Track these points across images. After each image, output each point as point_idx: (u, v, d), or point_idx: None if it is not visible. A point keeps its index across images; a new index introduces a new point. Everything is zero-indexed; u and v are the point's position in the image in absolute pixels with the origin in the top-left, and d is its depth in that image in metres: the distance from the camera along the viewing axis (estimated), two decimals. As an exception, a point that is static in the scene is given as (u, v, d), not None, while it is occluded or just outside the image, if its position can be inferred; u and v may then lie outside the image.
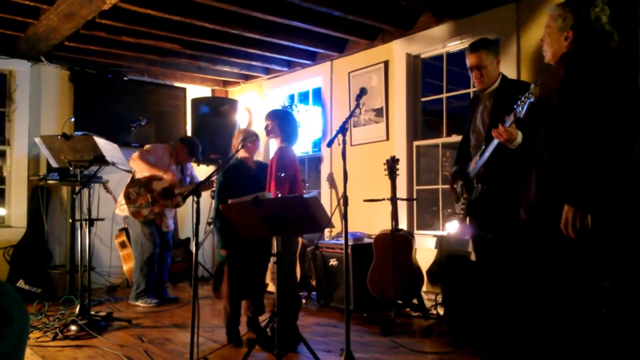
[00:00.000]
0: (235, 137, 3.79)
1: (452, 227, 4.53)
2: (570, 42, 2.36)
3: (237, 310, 3.60)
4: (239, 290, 3.56)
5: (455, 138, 4.39)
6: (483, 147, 3.16)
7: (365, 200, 4.28)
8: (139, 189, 4.86)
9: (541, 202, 2.35)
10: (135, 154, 4.81)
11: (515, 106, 2.57)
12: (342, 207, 2.92)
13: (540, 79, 2.59)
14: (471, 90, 4.37)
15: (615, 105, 2.18)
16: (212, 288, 4.66)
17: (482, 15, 4.14)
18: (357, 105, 3.12)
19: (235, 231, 3.02)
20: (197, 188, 2.87)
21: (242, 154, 3.67)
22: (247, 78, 6.56)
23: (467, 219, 3.51)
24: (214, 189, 6.27)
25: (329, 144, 2.88)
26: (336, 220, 4.92)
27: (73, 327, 3.89)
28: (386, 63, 4.95)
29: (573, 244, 2.23)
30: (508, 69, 3.85)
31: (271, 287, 4.74)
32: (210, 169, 6.34)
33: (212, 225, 6.41)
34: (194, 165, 5.50)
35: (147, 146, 4.96)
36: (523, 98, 2.48)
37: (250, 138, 3.58)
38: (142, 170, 4.82)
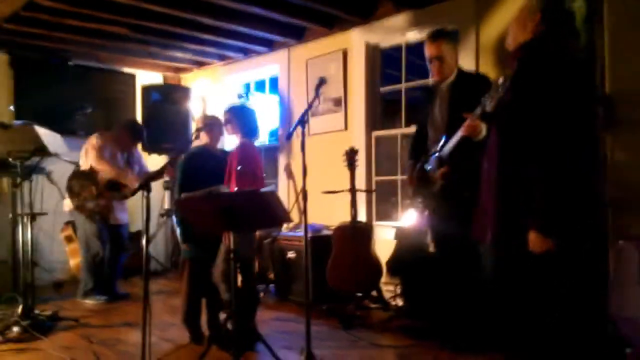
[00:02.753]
0: (198, 122, 3.64)
1: (409, 219, 4.52)
2: (535, 25, 2.25)
3: (197, 307, 3.47)
4: (200, 287, 3.42)
5: (414, 129, 4.36)
6: (443, 140, 3.14)
7: (324, 192, 4.20)
8: (83, 180, 4.56)
9: (503, 215, 2.31)
10: (93, 154, 4.52)
11: (482, 99, 2.53)
12: (302, 202, 2.82)
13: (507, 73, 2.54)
14: (431, 80, 4.33)
15: (569, 117, 2.12)
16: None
17: (441, 5, 4.10)
18: (317, 95, 3.02)
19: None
20: (148, 181, 2.70)
21: (205, 140, 3.52)
22: (200, 64, 6.33)
23: (426, 213, 3.50)
24: (166, 179, 6.12)
25: (288, 137, 2.78)
26: (294, 212, 4.83)
27: (15, 329, 3.66)
28: (345, 52, 4.86)
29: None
30: (467, 60, 3.83)
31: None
32: (162, 159, 6.10)
33: (164, 217, 6.21)
34: (142, 154, 5.21)
35: (96, 142, 4.61)
36: (492, 92, 2.43)
37: (213, 123, 3.44)
38: (108, 175, 4.55)
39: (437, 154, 3.15)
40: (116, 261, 4.84)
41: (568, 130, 2.13)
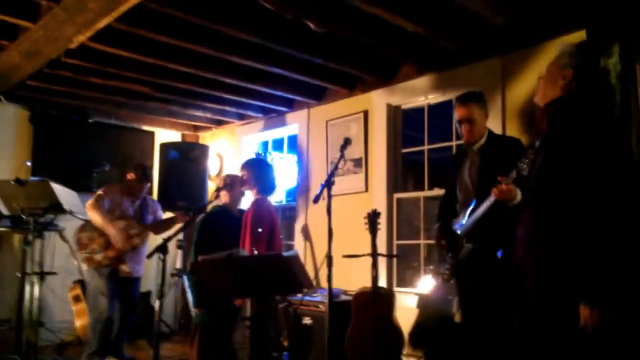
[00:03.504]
0: (219, 181, 3.54)
1: (431, 285, 4.31)
2: (566, 82, 2.14)
3: None
4: (211, 354, 3.20)
5: (438, 191, 4.24)
6: (473, 204, 3.01)
7: (345, 256, 4.03)
8: (91, 232, 4.35)
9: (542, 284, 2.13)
10: (89, 202, 4.35)
11: (518, 162, 2.42)
12: (326, 267, 2.67)
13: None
14: (454, 143, 4.25)
15: (608, 182, 1.98)
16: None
17: (465, 67, 4.07)
18: (342, 156, 2.94)
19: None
20: (165, 244, 2.57)
21: (224, 199, 3.41)
22: (219, 123, 6.35)
23: (452, 280, 3.31)
24: (180, 237, 5.98)
25: (315, 200, 2.67)
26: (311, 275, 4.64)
27: (14, 397, 3.44)
28: (365, 113, 4.82)
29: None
30: (493, 124, 3.74)
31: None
32: (177, 217, 6.01)
33: (175, 277, 6.03)
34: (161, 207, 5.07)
35: (99, 191, 4.47)
36: (528, 155, 2.32)
37: (234, 182, 3.34)
38: (97, 224, 4.33)
39: (467, 218, 3.01)
40: (125, 321, 4.58)
41: (606, 194, 1.99)
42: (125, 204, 4.51)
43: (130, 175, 4.60)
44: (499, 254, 2.89)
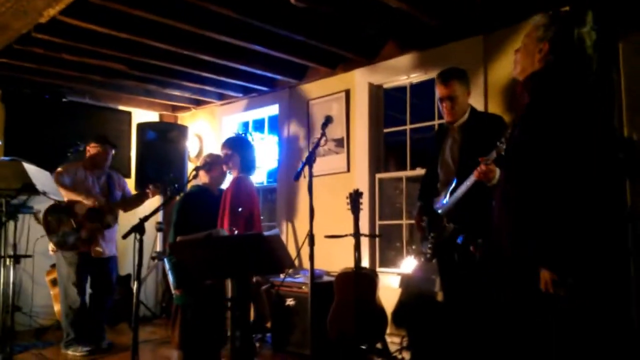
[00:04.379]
0: (199, 161, 3.46)
1: (410, 265, 4.31)
2: (544, 55, 2.14)
3: (192, 358, 3.19)
4: (193, 339, 3.15)
5: (420, 171, 4.22)
6: (454, 183, 2.98)
7: (326, 237, 3.99)
8: (59, 215, 4.26)
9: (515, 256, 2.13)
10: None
11: (498, 142, 2.40)
12: (308, 246, 2.62)
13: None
14: (436, 122, 4.22)
15: (587, 151, 1.99)
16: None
17: (447, 46, 4.02)
18: (323, 134, 2.88)
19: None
20: (141, 224, 2.50)
21: (204, 179, 3.33)
22: (198, 103, 6.22)
23: (434, 259, 3.30)
24: (159, 220, 5.89)
25: (296, 177, 2.60)
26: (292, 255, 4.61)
27: (-11, 382, 3.37)
28: (347, 92, 4.76)
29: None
30: (475, 102, 3.71)
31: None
32: (156, 199, 5.89)
33: (155, 260, 5.94)
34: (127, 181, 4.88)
35: (58, 168, 4.34)
36: (507, 133, 2.30)
37: (213, 162, 3.26)
38: (63, 196, 4.22)
39: (448, 198, 2.98)
40: (101, 305, 4.48)
41: (585, 170, 1.98)
42: (89, 181, 4.35)
43: (91, 146, 4.43)
44: (459, 240, 2.89)
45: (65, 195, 4.24)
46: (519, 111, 2.27)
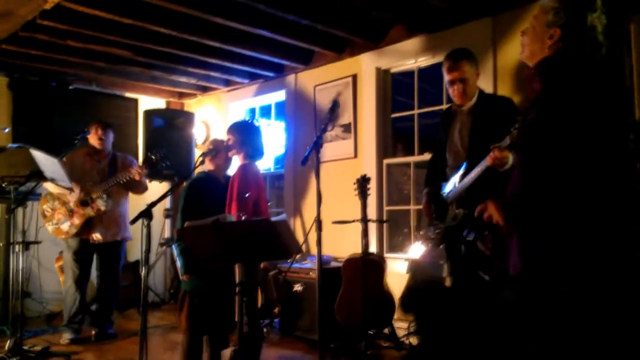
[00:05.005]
0: (205, 147, 3.43)
1: (418, 251, 4.29)
2: (554, 41, 2.06)
3: (198, 345, 3.20)
4: (200, 324, 3.15)
5: (428, 156, 4.17)
6: (463, 168, 2.94)
7: (334, 222, 3.98)
8: (53, 203, 4.24)
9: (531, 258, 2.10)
10: None
11: (512, 129, 2.35)
12: (316, 231, 2.61)
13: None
14: (444, 106, 4.17)
15: (598, 141, 1.94)
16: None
17: (456, 29, 3.97)
18: (331, 118, 2.86)
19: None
20: (149, 210, 2.50)
21: (210, 166, 3.31)
22: (205, 90, 6.20)
23: (442, 244, 3.28)
24: (167, 206, 5.90)
25: (303, 162, 2.58)
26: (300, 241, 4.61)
27: (2, 367, 3.41)
28: (354, 77, 4.72)
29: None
30: (484, 85, 3.67)
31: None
32: (164, 185, 5.91)
33: (164, 247, 5.97)
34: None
35: (64, 159, 4.26)
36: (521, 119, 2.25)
37: (220, 148, 3.23)
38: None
39: (457, 183, 2.95)
40: (105, 292, 4.44)
41: (598, 155, 1.94)
42: (86, 166, 4.29)
43: (91, 131, 4.38)
44: (471, 236, 2.86)
45: (54, 188, 4.21)
46: (530, 95, 2.22)
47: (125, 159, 4.56)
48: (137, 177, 4.14)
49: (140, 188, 4.45)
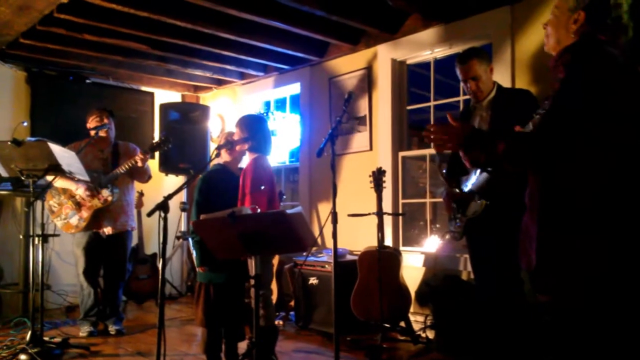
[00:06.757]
0: (220, 140, 3.43)
1: (434, 244, 4.26)
2: (579, 25, 1.97)
3: (216, 336, 3.22)
4: (216, 315, 3.17)
5: (444, 148, 4.13)
6: (484, 160, 2.90)
7: (349, 215, 3.96)
8: (59, 197, 4.22)
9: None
10: None
11: (534, 114, 2.30)
12: (331, 224, 2.59)
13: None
14: (461, 98, 4.12)
15: (626, 132, 1.88)
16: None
17: (473, 18, 3.90)
18: (345, 111, 2.83)
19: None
20: (165, 202, 2.50)
21: (225, 158, 3.31)
22: (220, 83, 6.20)
23: (463, 237, 3.24)
24: (183, 200, 5.93)
25: (319, 153, 2.57)
26: (315, 234, 4.60)
27: (22, 357, 3.46)
28: (369, 69, 4.67)
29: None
30: (502, 76, 3.62)
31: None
32: (180, 179, 5.95)
33: (180, 240, 6.01)
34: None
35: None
36: (544, 105, 2.20)
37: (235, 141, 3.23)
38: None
39: (478, 175, 2.91)
40: (112, 284, 4.41)
41: (624, 147, 1.88)
42: (88, 157, 4.20)
43: (89, 119, 4.32)
44: None
45: (61, 184, 4.18)
46: (554, 84, 2.16)
47: (128, 147, 4.50)
48: (140, 164, 4.10)
49: (144, 175, 4.39)
